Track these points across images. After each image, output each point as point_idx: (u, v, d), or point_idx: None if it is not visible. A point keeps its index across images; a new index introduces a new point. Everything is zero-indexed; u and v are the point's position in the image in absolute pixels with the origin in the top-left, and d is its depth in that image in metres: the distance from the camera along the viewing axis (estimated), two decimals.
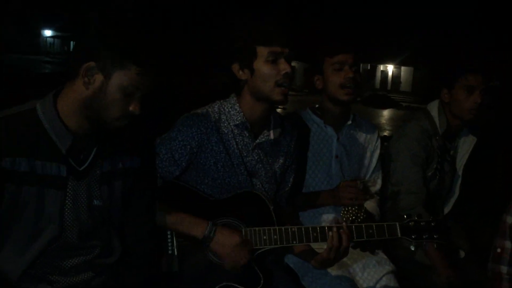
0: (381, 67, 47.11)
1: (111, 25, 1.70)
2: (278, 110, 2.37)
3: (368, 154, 2.69)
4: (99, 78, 1.65)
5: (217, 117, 2.16)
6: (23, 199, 1.66)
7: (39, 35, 62.83)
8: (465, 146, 2.91)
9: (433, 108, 2.85)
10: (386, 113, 25.02)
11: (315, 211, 2.57)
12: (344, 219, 2.32)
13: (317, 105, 2.68)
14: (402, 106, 27.53)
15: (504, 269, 2.25)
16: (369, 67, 46.82)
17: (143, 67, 1.66)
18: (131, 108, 1.69)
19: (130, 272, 1.89)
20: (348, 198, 2.43)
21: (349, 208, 2.39)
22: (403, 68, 45.76)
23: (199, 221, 2.04)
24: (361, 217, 2.31)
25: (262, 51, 2.08)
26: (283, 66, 2.08)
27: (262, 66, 2.09)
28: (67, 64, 1.73)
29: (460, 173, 2.91)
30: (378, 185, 2.71)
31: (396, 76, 46.89)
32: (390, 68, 46.78)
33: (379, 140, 2.74)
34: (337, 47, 2.54)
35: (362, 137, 2.69)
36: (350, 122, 2.63)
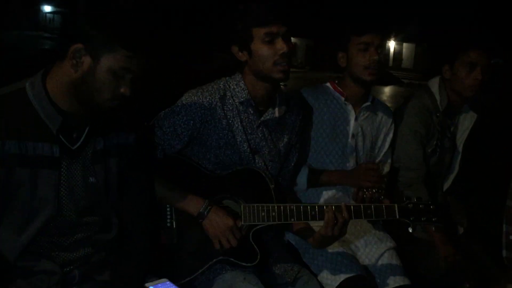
0: None
1: (99, 7, 1.67)
2: (281, 87, 2.36)
3: (382, 136, 2.69)
4: (87, 60, 1.62)
5: (222, 94, 2.16)
6: (17, 181, 1.64)
7: (39, 10, 62.45)
8: (466, 122, 2.90)
9: (434, 84, 2.84)
10: (387, 90, 24.97)
11: (329, 189, 2.57)
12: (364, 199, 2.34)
13: (336, 81, 2.65)
14: (404, 83, 27.48)
15: None
16: None
17: (133, 50, 1.63)
18: (122, 90, 1.67)
19: (130, 247, 1.90)
20: (369, 180, 2.44)
21: (369, 190, 2.39)
22: (404, 44, 45.57)
23: (195, 198, 2.06)
24: (381, 200, 2.30)
25: (258, 32, 2.08)
26: (280, 46, 2.07)
27: (259, 47, 2.09)
28: (57, 43, 1.70)
29: (460, 149, 2.91)
30: (387, 168, 2.71)
31: (397, 53, 46.73)
32: (392, 45, 46.55)
33: (393, 124, 2.72)
34: (366, 27, 2.50)
35: (378, 119, 2.68)
36: (369, 103, 2.61)
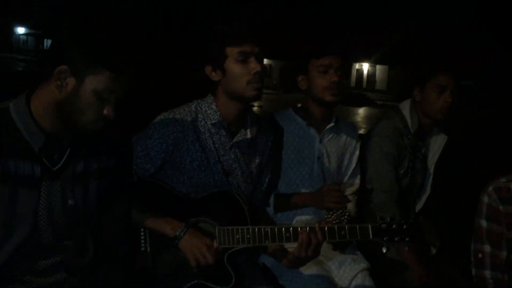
0: (357, 66, 47.46)
1: (83, 29, 1.68)
2: (254, 108, 2.39)
3: (348, 155, 2.71)
4: (71, 82, 1.64)
5: (194, 116, 2.17)
6: None
7: (12, 32, 62.01)
8: (436, 144, 2.93)
9: (405, 107, 2.87)
10: (361, 111, 25.24)
11: (297, 211, 2.58)
12: (328, 220, 2.34)
13: (299, 105, 2.68)
14: (377, 105, 27.81)
15: (488, 273, 2.23)
16: None
17: (116, 72, 1.65)
18: (105, 112, 1.68)
19: (105, 270, 1.89)
20: (333, 201, 2.44)
21: (333, 211, 2.40)
22: (378, 66, 46.19)
23: (173, 221, 2.06)
24: (345, 220, 2.32)
25: (232, 51, 2.11)
26: (254, 65, 2.10)
27: (232, 66, 2.12)
28: (40, 65, 1.71)
29: (431, 170, 2.94)
30: (356, 186, 2.73)
31: (371, 75, 47.33)
32: (366, 67, 47.16)
33: (359, 143, 2.75)
34: (324, 50, 2.55)
35: (343, 139, 2.70)
36: (332, 124, 2.63)
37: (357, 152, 2.73)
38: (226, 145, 2.21)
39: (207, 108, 2.20)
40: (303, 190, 2.59)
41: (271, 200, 2.52)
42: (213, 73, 2.17)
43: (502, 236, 2.22)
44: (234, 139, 2.22)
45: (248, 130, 2.24)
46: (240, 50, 2.10)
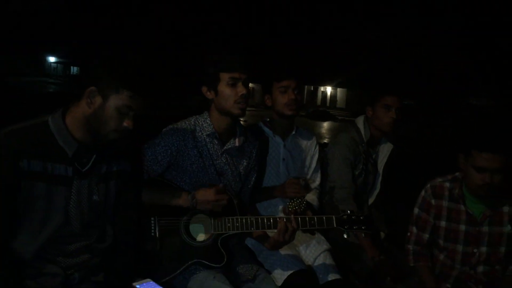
0: (322, 89, 47.66)
1: (110, 59, 1.70)
2: (241, 122, 2.41)
3: (309, 157, 2.74)
4: (99, 100, 1.66)
5: (193, 128, 2.18)
6: (36, 193, 1.65)
7: (45, 60, 61.35)
8: (384, 151, 2.96)
9: (360, 121, 2.90)
10: (325, 124, 25.28)
11: (269, 203, 2.59)
12: (290, 208, 2.35)
13: (268, 119, 2.72)
14: (338, 119, 27.84)
15: (410, 247, 2.38)
16: (312, 88, 47.31)
17: (134, 92, 1.67)
18: (125, 124, 1.69)
19: (120, 254, 1.89)
20: (293, 192, 2.47)
21: (293, 200, 2.42)
22: (338, 89, 46.41)
23: (181, 193, 2.09)
24: (303, 207, 2.34)
25: (224, 76, 2.13)
26: (240, 89, 2.13)
27: (224, 89, 2.13)
28: (73, 87, 1.72)
29: (380, 172, 2.96)
30: (317, 181, 2.75)
31: (333, 96, 47.47)
32: (329, 89, 47.38)
33: (317, 146, 2.78)
34: (282, 74, 2.58)
35: (303, 143, 2.73)
36: (294, 132, 2.68)
37: (317, 155, 2.75)
38: (219, 152, 2.22)
39: (203, 122, 2.21)
40: (272, 185, 2.60)
41: None
42: (208, 93, 2.19)
43: (427, 223, 2.32)
44: (225, 147, 2.23)
45: (237, 139, 2.25)
46: (231, 76, 2.12)
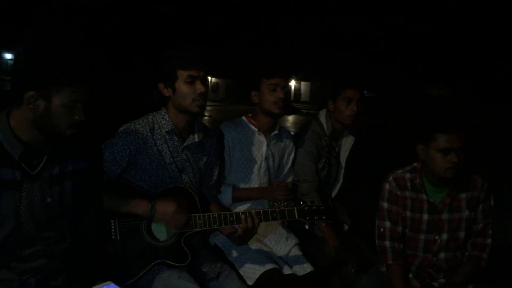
0: None
1: (42, 58, 1.61)
2: (205, 117, 2.38)
3: (286, 156, 2.74)
4: (41, 103, 1.59)
5: (151, 126, 2.14)
6: None
7: (1, 57, 59.36)
8: (346, 144, 2.98)
9: (322, 115, 2.91)
10: (290, 118, 25.44)
11: (252, 202, 2.59)
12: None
13: (250, 115, 2.67)
14: (303, 113, 28.08)
15: (387, 243, 2.30)
16: None
17: (76, 86, 1.61)
18: (76, 117, 1.64)
19: (81, 256, 1.83)
20: (281, 195, 2.49)
21: (280, 202, 2.42)
22: (302, 82, 46.84)
23: (141, 201, 2.03)
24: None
25: (182, 74, 2.09)
26: (199, 87, 2.09)
27: (181, 86, 2.10)
28: (11, 91, 1.64)
29: (343, 165, 2.98)
30: (290, 179, 2.75)
31: (297, 89, 47.89)
32: (293, 83, 47.74)
33: (294, 146, 2.78)
34: (274, 72, 2.55)
35: (283, 143, 2.72)
36: (277, 131, 2.66)
37: (293, 154, 2.76)
38: (179, 148, 2.18)
39: (161, 119, 2.17)
40: (253, 184, 2.59)
41: (229, 192, 2.51)
42: (165, 90, 2.15)
43: (399, 214, 2.29)
44: (185, 143, 2.19)
45: (196, 135, 2.22)
46: (189, 74, 2.08)
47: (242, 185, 2.57)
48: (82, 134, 1.73)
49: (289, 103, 2.65)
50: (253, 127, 2.61)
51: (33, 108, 1.58)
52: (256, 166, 2.59)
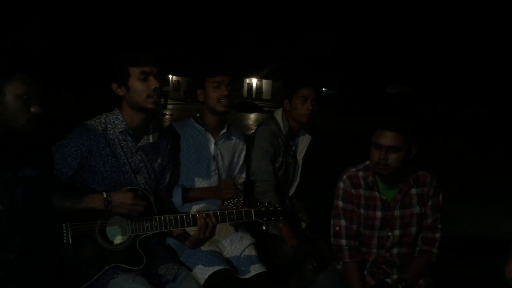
0: (247, 80, 48.02)
1: None
2: (167, 116, 2.36)
3: (237, 154, 2.74)
4: None
5: (104, 127, 2.10)
6: None
7: None
8: (303, 143, 3.00)
9: (278, 114, 2.93)
10: (252, 116, 25.54)
11: (202, 202, 2.57)
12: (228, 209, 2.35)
13: (198, 115, 2.66)
14: (264, 110, 28.19)
15: (343, 242, 2.33)
16: (238, 80, 47.59)
17: (28, 75, 1.58)
18: (33, 110, 1.60)
19: (33, 263, 1.77)
20: (230, 194, 2.48)
21: (230, 201, 2.44)
22: (264, 81, 47.00)
23: (95, 195, 1.99)
24: (240, 207, 2.34)
25: (134, 71, 2.07)
26: (152, 83, 2.08)
27: (135, 83, 2.08)
28: None
29: (300, 163, 3.01)
30: (243, 178, 2.74)
31: (259, 87, 48.02)
32: (254, 81, 47.85)
33: (245, 144, 2.78)
34: (217, 70, 2.56)
35: (233, 142, 2.72)
36: (225, 130, 2.65)
37: (244, 152, 2.76)
38: (133, 149, 2.15)
39: (114, 119, 2.14)
40: (202, 183, 2.58)
41: (179, 193, 2.49)
42: (119, 89, 2.13)
43: (353, 213, 2.33)
44: (139, 144, 2.16)
45: (151, 136, 2.20)
46: (141, 70, 2.07)
47: (191, 186, 2.57)
48: (34, 138, 1.68)
49: (233, 100, 2.65)
50: (199, 126, 2.61)
51: None
52: (205, 166, 2.59)
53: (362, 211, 2.33)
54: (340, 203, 2.35)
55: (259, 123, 3.09)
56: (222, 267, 2.26)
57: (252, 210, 2.14)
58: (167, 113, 20.93)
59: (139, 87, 2.07)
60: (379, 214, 2.31)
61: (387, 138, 2.15)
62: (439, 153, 11.36)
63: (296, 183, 3.02)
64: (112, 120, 2.13)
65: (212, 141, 2.61)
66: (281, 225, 2.39)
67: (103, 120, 2.13)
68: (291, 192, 3.02)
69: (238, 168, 2.74)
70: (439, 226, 2.34)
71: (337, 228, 2.35)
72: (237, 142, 2.74)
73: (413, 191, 2.31)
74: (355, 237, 2.34)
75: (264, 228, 2.16)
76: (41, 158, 1.84)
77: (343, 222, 2.34)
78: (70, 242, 1.98)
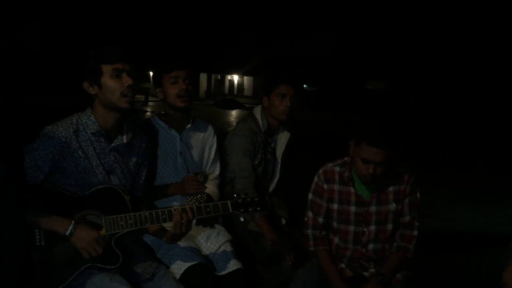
0: (229, 77, 47.91)
1: None
2: (148, 113, 2.32)
3: (207, 148, 2.72)
4: None
5: (75, 128, 2.05)
6: None
7: None
8: (282, 140, 3.00)
9: (257, 111, 2.93)
10: (234, 113, 25.48)
11: (168, 199, 2.55)
12: (190, 204, 2.33)
13: (163, 112, 2.65)
14: (246, 107, 28.19)
15: (309, 231, 2.44)
16: (219, 77, 47.45)
17: None
18: None
19: (5, 267, 1.75)
20: (192, 189, 2.47)
21: (193, 196, 2.41)
22: (245, 77, 46.93)
23: (63, 220, 1.94)
24: (203, 202, 2.33)
25: (107, 68, 2.02)
26: (126, 80, 2.04)
27: (108, 81, 2.03)
28: None
29: (279, 160, 3.01)
30: (217, 172, 2.74)
31: (240, 84, 47.96)
32: (236, 78, 47.75)
33: (215, 137, 2.76)
34: (171, 65, 2.53)
35: (201, 136, 2.70)
36: (190, 125, 2.64)
37: (215, 145, 2.74)
38: (106, 150, 2.10)
39: (86, 120, 2.08)
40: (171, 180, 2.57)
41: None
42: (91, 88, 2.07)
43: (321, 207, 2.40)
44: (112, 144, 2.12)
45: (124, 136, 2.15)
46: (114, 67, 2.02)
47: (160, 183, 2.55)
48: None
49: (193, 95, 2.62)
50: (163, 123, 2.60)
51: None
52: (171, 162, 2.57)
53: (335, 205, 2.37)
54: (310, 195, 2.46)
55: (238, 121, 3.08)
56: (198, 261, 2.25)
57: (229, 202, 2.11)
58: (148, 110, 20.75)
59: (112, 84, 2.02)
60: (353, 209, 2.34)
61: (376, 155, 2.16)
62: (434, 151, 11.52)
63: (275, 180, 3.02)
64: (84, 121, 2.08)
65: (177, 136, 2.60)
66: (258, 216, 2.39)
67: (74, 121, 2.07)
68: (271, 188, 3.01)
69: (210, 162, 2.72)
70: (417, 223, 2.37)
71: (306, 219, 2.47)
72: (206, 135, 2.72)
73: (390, 188, 2.34)
74: (321, 228, 2.43)
75: (242, 220, 2.15)
76: (8, 156, 1.80)
77: (310, 214, 2.45)
78: (43, 243, 1.94)
